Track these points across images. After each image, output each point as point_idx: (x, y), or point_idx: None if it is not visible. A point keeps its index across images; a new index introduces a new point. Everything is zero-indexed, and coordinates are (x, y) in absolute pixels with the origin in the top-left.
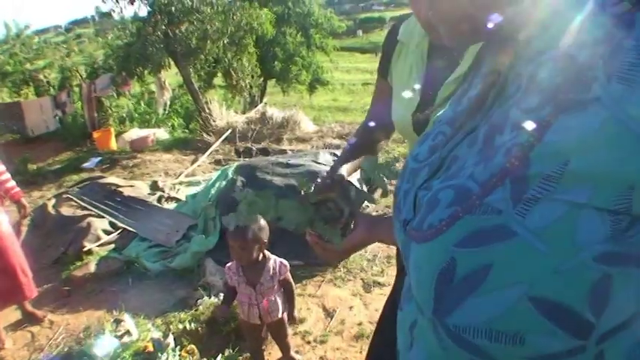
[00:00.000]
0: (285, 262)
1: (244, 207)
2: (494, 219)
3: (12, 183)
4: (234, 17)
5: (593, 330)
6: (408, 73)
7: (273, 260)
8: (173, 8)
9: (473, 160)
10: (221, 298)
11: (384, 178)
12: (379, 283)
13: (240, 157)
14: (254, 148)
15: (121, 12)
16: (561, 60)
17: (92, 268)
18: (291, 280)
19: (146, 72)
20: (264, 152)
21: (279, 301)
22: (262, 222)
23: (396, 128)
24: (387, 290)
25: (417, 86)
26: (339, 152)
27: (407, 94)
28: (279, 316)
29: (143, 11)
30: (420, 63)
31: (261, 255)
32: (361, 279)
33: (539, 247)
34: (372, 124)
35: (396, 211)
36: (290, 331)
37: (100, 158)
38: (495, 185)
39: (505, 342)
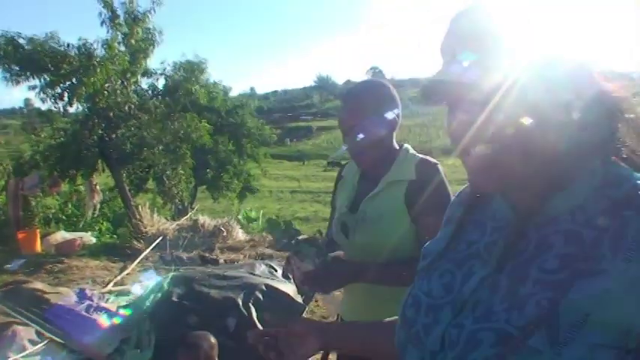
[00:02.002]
0: None
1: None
2: (536, 357)
3: None
4: (172, 126)
5: None
6: (344, 196)
7: None
8: (111, 113)
9: (502, 306)
10: None
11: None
12: None
13: (171, 265)
14: (185, 257)
15: (59, 112)
16: (571, 235)
17: None
18: None
19: (78, 174)
20: (212, 262)
21: None
22: (212, 339)
23: (333, 233)
24: None
25: (346, 204)
26: (273, 263)
27: (340, 208)
28: None
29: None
30: (352, 188)
31: None
32: None
33: None
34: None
35: (414, 340)
36: None
37: (24, 260)
38: (533, 331)
39: None
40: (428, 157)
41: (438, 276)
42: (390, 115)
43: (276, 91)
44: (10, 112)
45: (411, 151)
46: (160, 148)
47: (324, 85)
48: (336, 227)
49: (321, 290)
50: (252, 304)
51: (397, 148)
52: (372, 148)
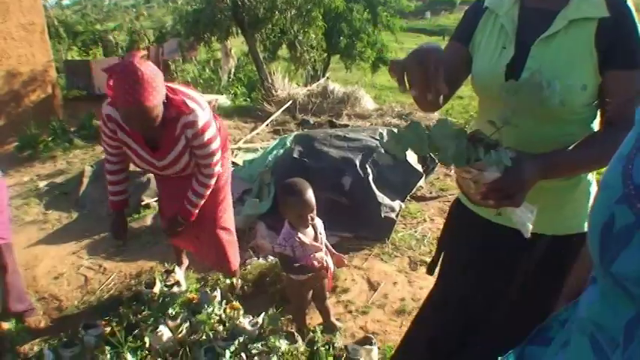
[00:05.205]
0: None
1: (391, 144)
2: None
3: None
4: None
5: None
6: (498, 35)
7: (317, 220)
8: None
9: None
10: (269, 259)
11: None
12: (426, 262)
13: (299, 128)
14: (311, 121)
15: None
16: None
17: (149, 221)
18: None
19: (213, 38)
20: (330, 125)
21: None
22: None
23: (480, 83)
24: None
25: (510, 44)
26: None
27: (494, 50)
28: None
29: None
30: (511, 25)
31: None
32: (408, 257)
33: None
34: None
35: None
36: (333, 299)
37: None
38: None
39: None
40: None
41: None
42: None
43: None
44: None
45: None
46: (293, 12)
47: None
48: (488, 73)
49: (512, 204)
50: (369, 166)
51: None
52: None
